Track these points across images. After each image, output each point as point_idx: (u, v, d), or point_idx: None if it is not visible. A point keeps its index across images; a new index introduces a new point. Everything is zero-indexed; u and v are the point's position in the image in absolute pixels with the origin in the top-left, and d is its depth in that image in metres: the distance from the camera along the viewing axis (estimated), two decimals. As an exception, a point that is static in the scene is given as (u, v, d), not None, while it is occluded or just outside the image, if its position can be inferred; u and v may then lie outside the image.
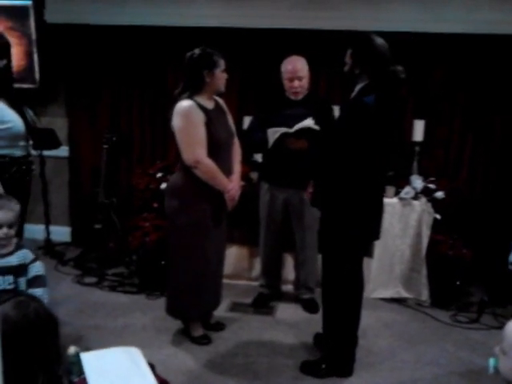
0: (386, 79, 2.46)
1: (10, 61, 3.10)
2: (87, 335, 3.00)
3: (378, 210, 2.61)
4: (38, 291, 2.25)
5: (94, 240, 4.19)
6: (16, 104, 3.10)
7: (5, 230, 2.27)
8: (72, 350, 1.48)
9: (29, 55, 4.28)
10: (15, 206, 2.33)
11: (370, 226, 2.60)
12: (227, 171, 2.84)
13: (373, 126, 2.42)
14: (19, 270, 2.30)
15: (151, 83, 4.30)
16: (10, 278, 2.29)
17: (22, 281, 2.31)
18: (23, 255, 2.33)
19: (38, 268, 2.32)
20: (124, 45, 4.26)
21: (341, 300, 2.62)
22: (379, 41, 2.48)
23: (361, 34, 2.60)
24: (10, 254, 2.31)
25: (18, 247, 2.35)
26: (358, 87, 2.52)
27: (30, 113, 3.22)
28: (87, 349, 1.59)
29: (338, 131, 2.58)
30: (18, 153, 3.09)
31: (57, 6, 4.16)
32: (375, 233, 2.65)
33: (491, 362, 1.41)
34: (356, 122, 2.44)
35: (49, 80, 4.38)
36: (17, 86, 4.32)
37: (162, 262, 3.57)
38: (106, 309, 3.41)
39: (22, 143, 3.12)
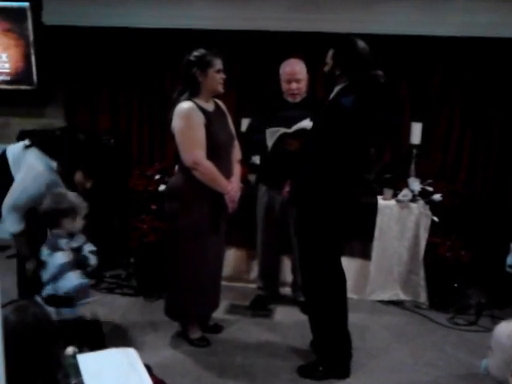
0: (365, 82, 2.48)
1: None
2: (84, 337, 2.99)
3: (352, 210, 2.62)
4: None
5: (92, 242, 4.17)
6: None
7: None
8: (70, 350, 1.47)
9: (26, 57, 4.27)
10: None
11: (344, 226, 2.61)
12: (227, 173, 2.84)
13: (349, 127, 2.44)
14: (76, 250, 2.53)
15: (149, 85, 4.30)
16: None
17: None
18: (80, 239, 2.59)
19: (90, 246, 2.61)
20: (122, 47, 4.26)
21: (324, 300, 2.63)
22: (361, 44, 2.50)
23: (344, 35, 2.62)
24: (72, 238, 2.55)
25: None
26: (337, 88, 2.55)
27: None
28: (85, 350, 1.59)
29: (314, 131, 2.61)
30: None
31: (54, 7, 4.16)
32: (351, 233, 2.66)
33: (483, 362, 1.45)
34: (332, 122, 2.47)
35: (47, 82, 4.38)
36: (14, 87, 4.36)
37: (160, 264, 3.56)
38: (104, 311, 3.40)
39: None
